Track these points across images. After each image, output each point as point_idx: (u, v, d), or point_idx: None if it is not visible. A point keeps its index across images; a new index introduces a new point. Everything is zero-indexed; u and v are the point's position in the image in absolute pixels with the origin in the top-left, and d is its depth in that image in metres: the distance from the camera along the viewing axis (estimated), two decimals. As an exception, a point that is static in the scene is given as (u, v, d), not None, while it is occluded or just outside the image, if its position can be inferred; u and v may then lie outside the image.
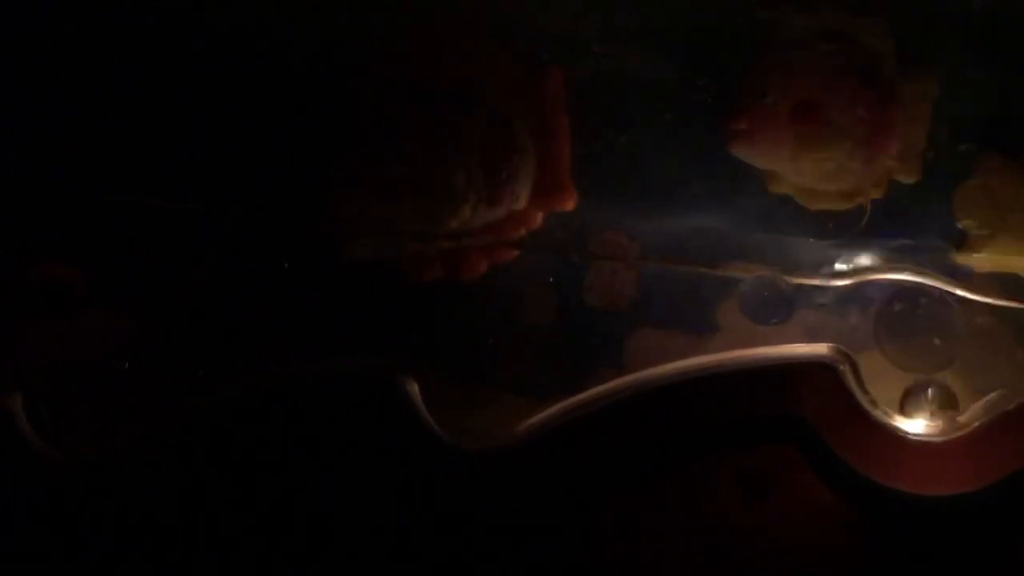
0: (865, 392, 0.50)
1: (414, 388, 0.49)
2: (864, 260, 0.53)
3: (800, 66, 0.52)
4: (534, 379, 0.51)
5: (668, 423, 0.50)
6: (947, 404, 0.51)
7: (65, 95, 0.53)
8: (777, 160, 0.53)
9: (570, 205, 0.52)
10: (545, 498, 0.49)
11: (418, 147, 0.52)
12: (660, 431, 0.49)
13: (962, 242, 0.52)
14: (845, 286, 0.52)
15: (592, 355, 0.52)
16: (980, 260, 0.52)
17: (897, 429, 0.50)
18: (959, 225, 0.52)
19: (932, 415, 0.51)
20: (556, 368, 0.52)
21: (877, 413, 0.50)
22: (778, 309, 0.52)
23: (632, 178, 0.53)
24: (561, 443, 0.49)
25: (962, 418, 0.50)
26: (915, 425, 0.50)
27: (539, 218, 0.53)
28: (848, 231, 0.52)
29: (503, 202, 0.52)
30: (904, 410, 0.51)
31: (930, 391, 0.51)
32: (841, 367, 0.50)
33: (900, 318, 0.52)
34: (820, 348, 0.51)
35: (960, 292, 0.51)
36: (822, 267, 0.53)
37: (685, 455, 0.50)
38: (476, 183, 0.52)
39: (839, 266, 0.53)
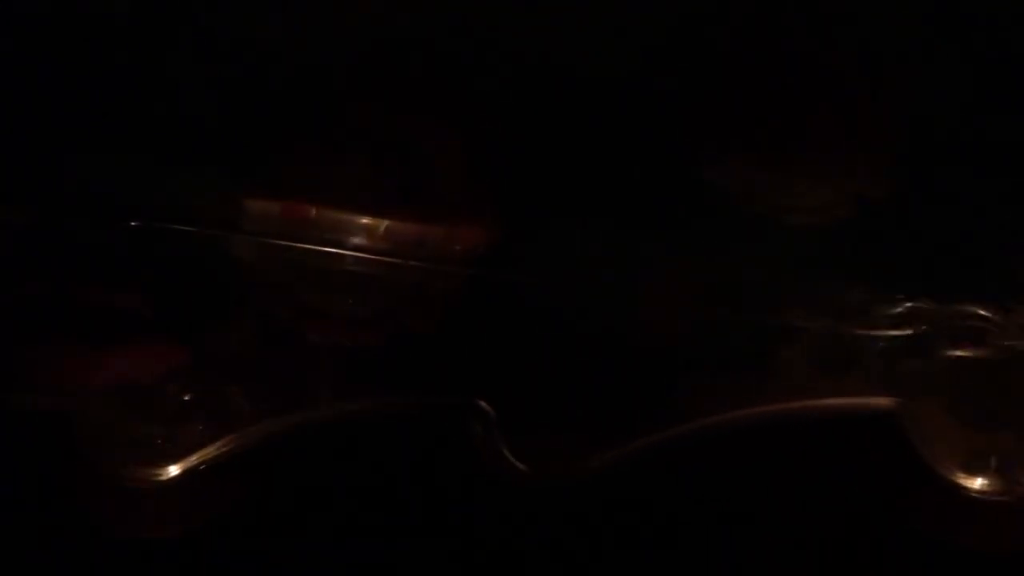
0: (928, 446, 0.49)
1: (488, 416, 0.48)
2: (929, 308, 0.52)
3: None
4: (596, 413, 0.50)
5: (728, 467, 0.49)
6: (1014, 462, 0.49)
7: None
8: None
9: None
10: (616, 532, 0.48)
11: None
12: (721, 474, 0.49)
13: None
14: (909, 335, 0.51)
15: (652, 394, 0.51)
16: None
17: (961, 486, 0.49)
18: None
19: (996, 473, 0.49)
20: (617, 404, 0.51)
21: (940, 469, 0.49)
22: (840, 358, 0.51)
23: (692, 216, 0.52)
24: (629, 479, 0.48)
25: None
26: (978, 482, 0.49)
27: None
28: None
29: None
30: (968, 467, 0.49)
31: (995, 447, 0.50)
32: (903, 420, 0.49)
33: (965, 369, 0.51)
34: (882, 400, 0.50)
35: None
36: (884, 315, 0.52)
37: (745, 500, 0.49)
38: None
39: (901, 313, 0.52)
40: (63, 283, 0.51)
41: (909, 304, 0.52)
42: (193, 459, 0.49)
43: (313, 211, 0.52)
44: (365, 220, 0.52)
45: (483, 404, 0.48)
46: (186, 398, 0.50)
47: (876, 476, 0.49)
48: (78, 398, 0.50)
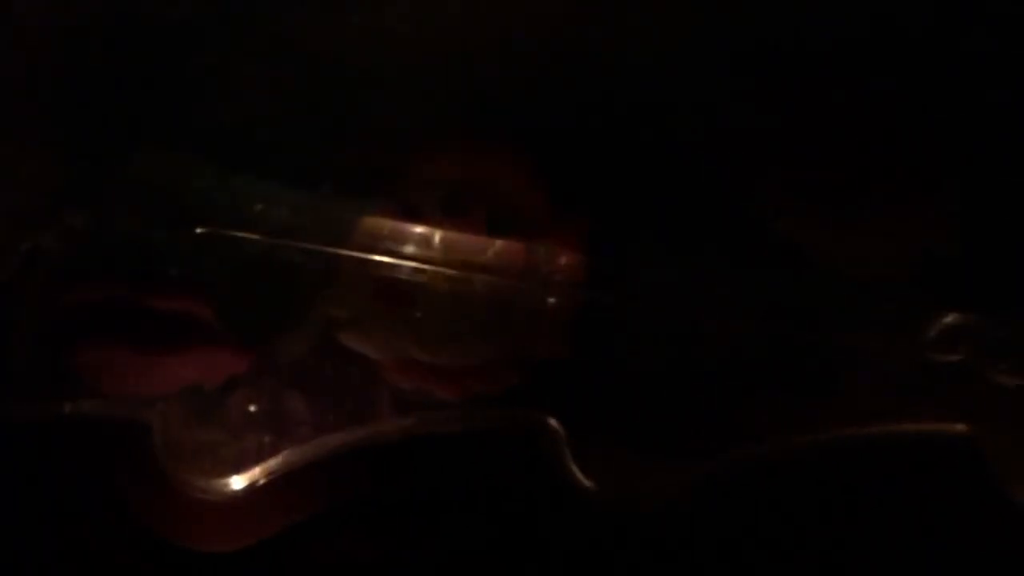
0: (999, 469, 0.48)
1: (557, 434, 0.48)
2: (1000, 333, 0.51)
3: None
4: (665, 434, 0.50)
5: (796, 492, 0.48)
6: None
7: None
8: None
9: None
10: (684, 552, 0.48)
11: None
12: (790, 500, 0.48)
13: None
14: (976, 358, 0.51)
15: (717, 415, 0.50)
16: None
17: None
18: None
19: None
20: (681, 424, 0.50)
21: (1014, 492, 0.48)
22: (912, 383, 0.50)
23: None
24: (700, 503, 0.48)
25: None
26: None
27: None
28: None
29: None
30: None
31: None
32: (974, 443, 0.49)
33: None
34: (953, 424, 0.50)
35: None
36: (952, 337, 0.51)
37: (813, 522, 0.48)
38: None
39: (970, 335, 0.51)
40: (129, 288, 0.51)
41: (980, 326, 0.51)
42: (256, 471, 0.48)
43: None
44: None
45: (553, 421, 0.48)
46: (251, 408, 0.50)
47: (947, 501, 0.48)
48: (144, 406, 0.50)
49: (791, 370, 0.51)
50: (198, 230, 0.51)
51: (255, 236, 0.51)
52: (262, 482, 0.48)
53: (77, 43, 0.53)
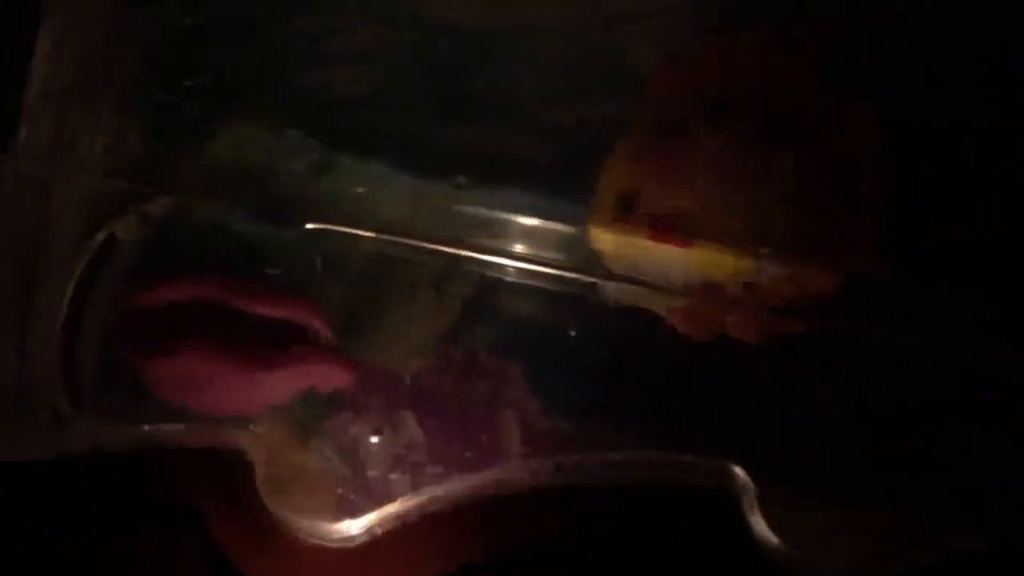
0: None
1: (744, 484, 0.40)
2: None
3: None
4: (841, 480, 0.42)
5: None
6: None
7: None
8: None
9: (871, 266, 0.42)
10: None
11: (705, 179, 0.42)
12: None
13: None
14: None
15: (905, 456, 0.42)
16: None
17: None
18: None
19: None
20: (856, 466, 0.42)
21: None
22: None
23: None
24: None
25: None
26: None
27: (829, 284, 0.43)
28: None
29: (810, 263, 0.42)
30: None
31: None
32: None
33: None
34: None
35: None
36: None
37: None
38: (774, 232, 0.42)
39: None
40: (220, 289, 0.43)
41: None
42: (373, 517, 0.40)
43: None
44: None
45: (739, 470, 0.40)
46: (366, 435, 0.42)
47: None
48: (237, 429, 0.42)
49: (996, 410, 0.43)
50: (308, 226, 0.43)
51: (370, 233, 0.43)
52: (381, 531, 0.40)
53: (154, 3, 0.45)
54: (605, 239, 0.43)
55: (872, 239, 0.42)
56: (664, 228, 0.43)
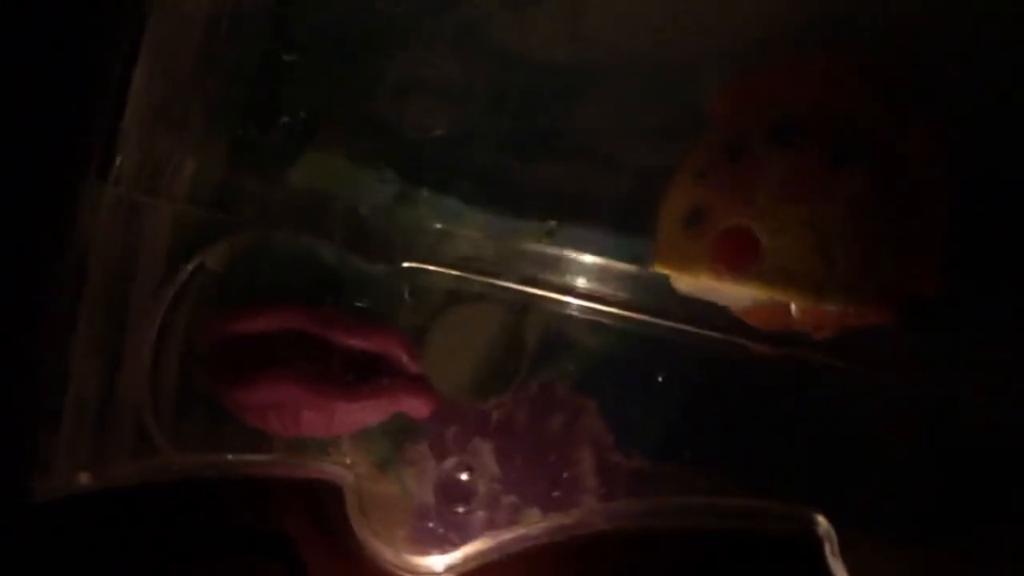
0: None
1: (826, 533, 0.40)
2: None
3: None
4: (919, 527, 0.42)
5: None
6: None
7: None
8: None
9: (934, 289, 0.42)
10: None
11: (768, 199, 0.42)
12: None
13: None
14: None
15: (985, 504, 0.43)
16: None
17: None
18: None
19: None
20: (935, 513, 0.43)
21: None
22: None
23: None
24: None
25: None
26: None
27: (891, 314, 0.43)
28: None
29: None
30: None
31: None
32: None
33: None
34: None
35: None
36: None
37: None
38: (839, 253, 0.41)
39: None
40: (310, 320, 0.43)
41: None
42: (459, 555, 0.41)
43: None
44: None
45: (821, 518, 0.41)
46: (462, 476, 0.42)
47: None
48: (325, 459, 0.42)
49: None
50: (404, 264, 0.43)
51: (466, 274, 0.43)
52: (465, 568, 0.41)
53: (245, 32, 0.45)
54: (670, 260, 0.44)
55: (936, 265, 0.42)
56: (729, 249, 0.43)
